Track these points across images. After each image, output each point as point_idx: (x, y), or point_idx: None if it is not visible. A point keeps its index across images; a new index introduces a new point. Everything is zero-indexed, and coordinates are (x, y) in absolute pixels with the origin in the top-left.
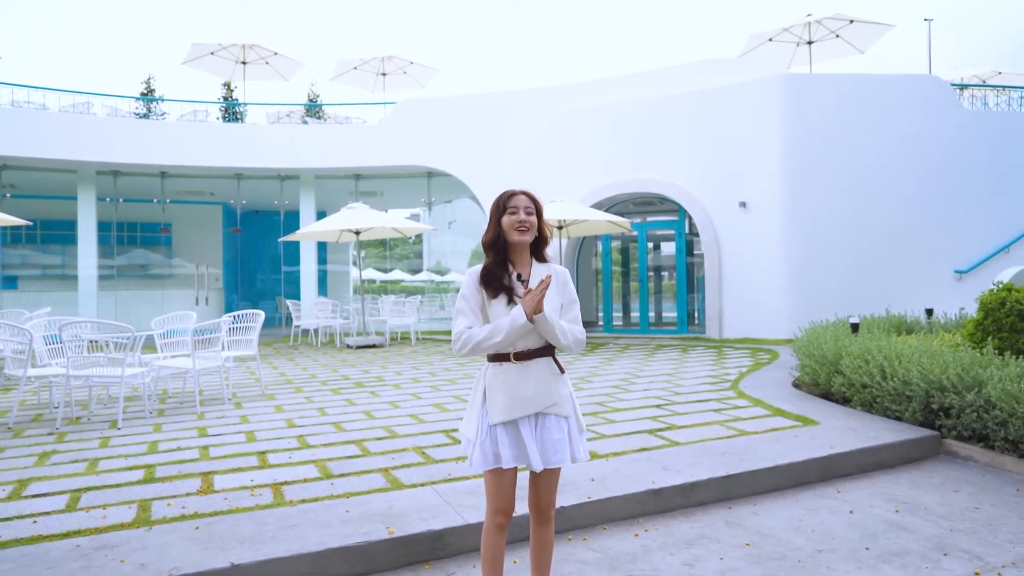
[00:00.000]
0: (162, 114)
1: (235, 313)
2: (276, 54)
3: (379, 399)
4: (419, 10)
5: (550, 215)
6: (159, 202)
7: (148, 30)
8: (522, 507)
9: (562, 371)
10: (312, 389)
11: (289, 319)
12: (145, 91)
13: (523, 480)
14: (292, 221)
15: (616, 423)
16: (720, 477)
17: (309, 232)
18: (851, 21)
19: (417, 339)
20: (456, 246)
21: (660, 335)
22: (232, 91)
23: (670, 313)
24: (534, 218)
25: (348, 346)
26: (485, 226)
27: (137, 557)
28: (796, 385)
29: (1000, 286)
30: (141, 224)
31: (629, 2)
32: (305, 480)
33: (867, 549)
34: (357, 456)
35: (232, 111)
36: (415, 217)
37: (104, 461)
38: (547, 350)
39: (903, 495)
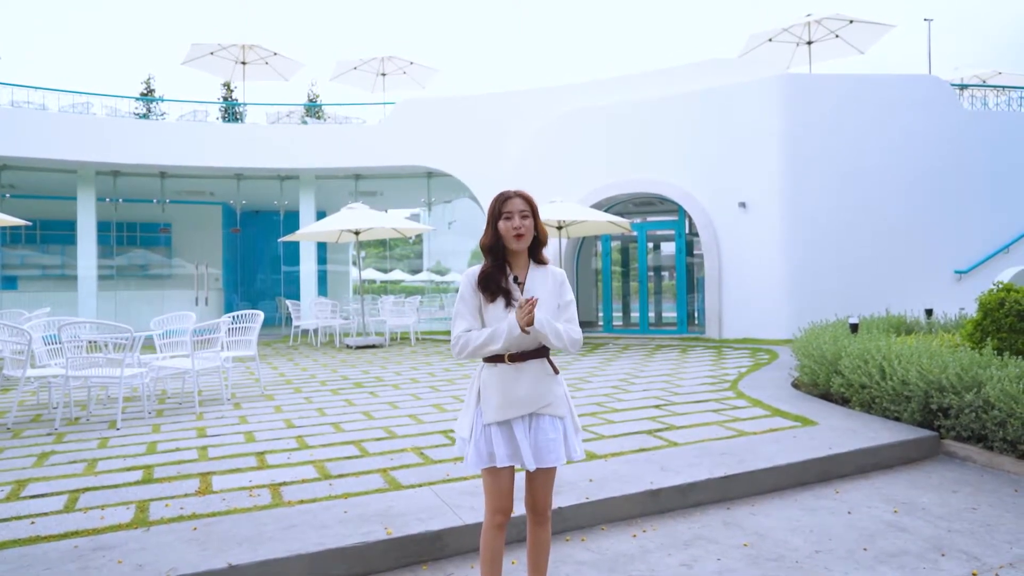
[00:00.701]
0: (162, 114)
1: (234, 313)
2: (276, 54)
3: (378, 399)
4: (419, 10)
5: (550, 215)
6: (159, 202)
7: (148, 30)
8: (520, 507)
9: (556, 372)
10: (311, 389)
11: (289, 319)
12: (145, 91)
13: (520, 480)
14: (292, 221)
15: (615, 423)
16: (719, 478)
17: (309, 232)
18: (851, 21)
19: (417, 339)
20: (456, 246)
21: (660, 335)
22: (232, 91)
23: (670, 313)
24: (530, 221)
25: (348, 346)
26: (485, 226)
27: (135, 558)
28: (795, 385)
29: (999, 286)
30: (141, 224)
31: (629, 2)
32: (304, 481)
33: (865, 550)
34: (356, 457)
35: (232, 111)
36: (415, 217)
37: (103, 462)
38: (541, 351)
39: (901, 495)
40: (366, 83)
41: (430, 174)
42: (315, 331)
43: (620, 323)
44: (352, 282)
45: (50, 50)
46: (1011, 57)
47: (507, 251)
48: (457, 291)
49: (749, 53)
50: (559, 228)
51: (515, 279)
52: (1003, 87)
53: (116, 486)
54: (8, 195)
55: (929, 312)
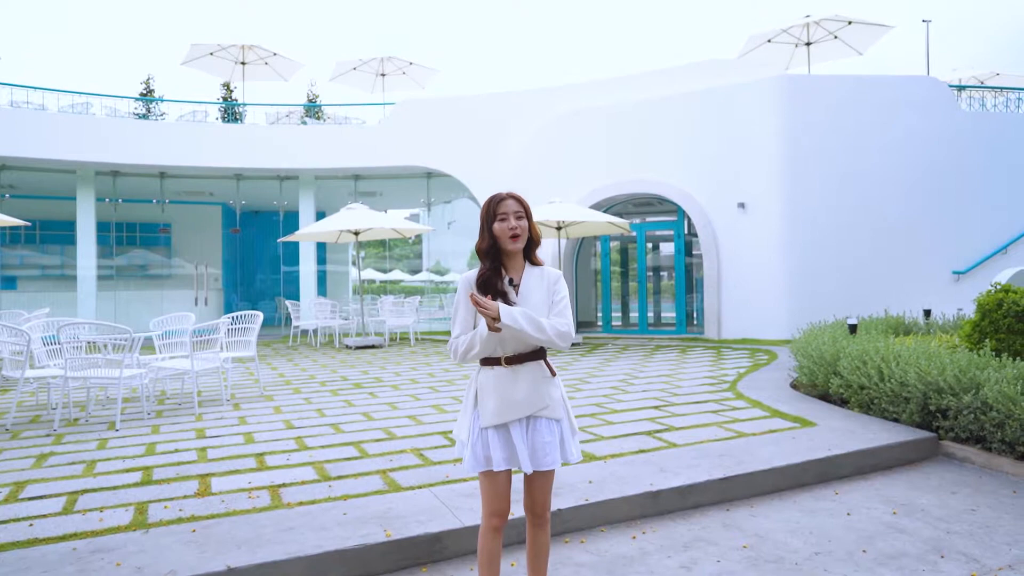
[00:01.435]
0: (161, 114)
1: (234, 314)
2: (275, 55)
3: (377, 400)
4: (419, 10)
5: (549, 216)
6: (158, 202)
7: (147, 30)
8: (519, 509)
9: (553, 374)
10: (311, 390)
11: (288, 319)
12: (144, 91)
13: (519, 483)
14: (291, 221)
15: (614, 424)
16: (718, 479)
17: (308, 233)
18: (849, 22)
19: (416, 340)
20: (455, 247)
21: (659, 336)
22: (231, 91)
23: (669, 314)
24: (524, 222)
25: (347, 347)
26: (479, 230)
27: (134, 560)
28: (794, 386)
29: (997, 287)
30: (140, 224)
31: (628, 3)
32: (303, 482)
33: (864, 552)
34: (355, 458)
35: (231, 112)
36: (414, 217)
37: (102, 463)
38: (538, 353)
39: (900, 497)
40: (366, 83)
41: (429, 174)
42: (314, 331)
43: (619, 323)
44: (351, 282)
45: (50, 50)
46: (1009, 57)
47: (503, 253)
48: (456, 291)
49: (748, 54)
50: (558, 228)
51: (510, 281)
52: (1001, 88)
53: (115, 488)
54: (7, 195)
55: (927, 313)
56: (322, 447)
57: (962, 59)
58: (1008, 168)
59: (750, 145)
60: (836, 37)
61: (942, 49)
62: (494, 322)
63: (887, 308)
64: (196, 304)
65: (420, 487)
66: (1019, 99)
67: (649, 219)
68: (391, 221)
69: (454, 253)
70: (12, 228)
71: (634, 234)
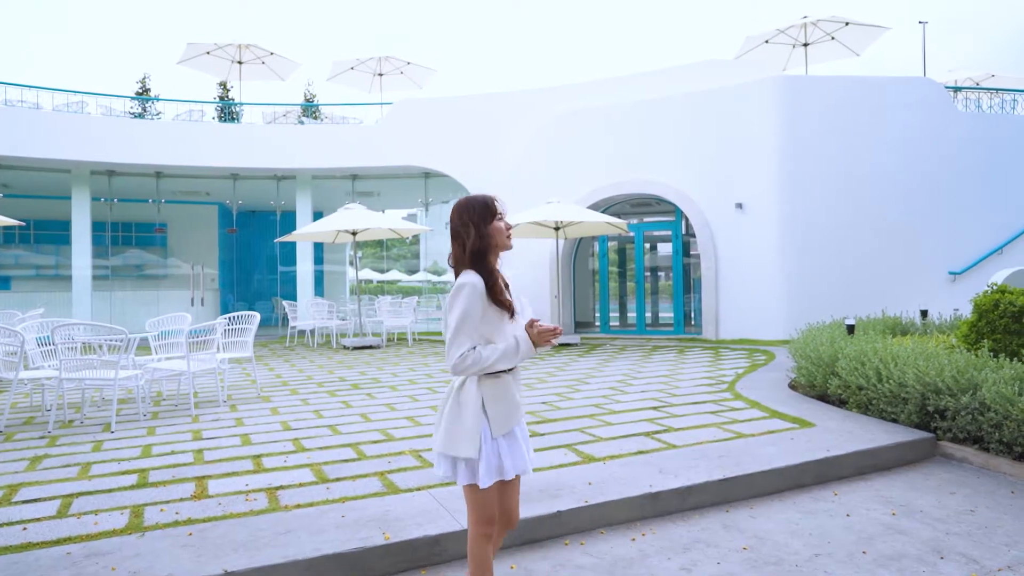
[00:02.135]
0: (157, 114)
1: (230, 315)
2: (272, 54)
3: (375, 401)
4: (417, 10)
5: (547, 216)
6: (154, 202)
7: (143, 29)
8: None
9: None
10: (308, 391)
11: (285, 320)
12: (140, 91)
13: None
14: (288, 221)
15: (613, 425)
16: (717, 480)
17: (306, 233)
18: (846, 23)
19: (414, 340)
20: None
21: (657, 336)
22: (228, 91)
23: (667, 314)
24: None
25: (344, 347)
26: (470, 231)
27: (129, 565)
28: (792, 386)
29: (994, 287)
30: (136, 224)
31: (627, 3)
32: (300, 484)
33: (864, 553)
34: (353, 460)
35: (228, 111)
36: (412, 218)
37: (96, 465)
38: None
39: (899, 498)
40: (363, 83)
41: (427, 174)
42: (311, 332)
43: (617, 324)
44: (349, 282)
45: (44, 49)
46: (1006, 58)
47: (495, 257)
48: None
49: (746, 55)
50: (556, 229)
51: (505, 286)
52: (997, 89)
53: (110, 490)
54: (2, 195)
55: (924, 313)
56: (320, 448)
57: (959, 60)
58: (1004, 169)
59: (748, 146)
60: (833, 38)
61: (939, 50)
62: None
63: (884, 308)
64: (192, 304)
65: (418, 489)
66: (1015, 100)
67: (647, 219)
68: (388, 221)
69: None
70: (7, 228)
71: (632, 234)
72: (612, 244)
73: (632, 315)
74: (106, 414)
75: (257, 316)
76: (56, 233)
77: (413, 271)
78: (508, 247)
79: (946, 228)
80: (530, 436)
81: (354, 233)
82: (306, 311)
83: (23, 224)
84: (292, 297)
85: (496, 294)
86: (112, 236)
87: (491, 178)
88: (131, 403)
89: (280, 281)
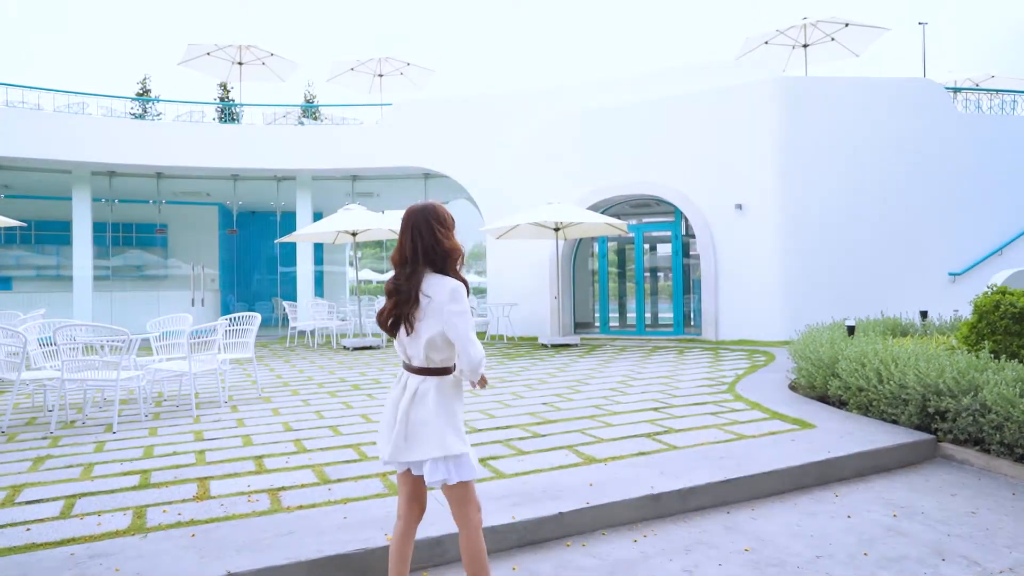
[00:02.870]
0: (158, 115)
1: (231, 316)
2: (272, 55)
3: (375, 402)
4: (416, 11)
5: (547, 217)
6: (155, 203)
7: (144, 30)
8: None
9: None
10: (308, 392)
11: (286, 320)
12: (141, 91)
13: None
14: (289, 222)
15: (614, 426)
16: (718, 482)
17: (306, 234)
18: (846, 24)
19: None
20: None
21: (656, 337)
22: (228, 92)
23: (666, 315)
24: None
25: (344, 348)
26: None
27: (133, 566)
28: (792, 388)
29: (994, 289)
30: (137, 225)
31: (626, 4)
32: (302, 485)
33: (865, 555)
34: (354, 461)
35: (228, 112)
36: None
37: (99, 466)
38: None
39: (900, 499)
40: (363, 84)
41: (427, 175)
42: (312, 332)
43: (616, 324)
44: (349, 283)
45: (45, 50)
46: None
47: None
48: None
49: (746, 55)
50: (556, 229)
51: None
52: (996, 91)
53: (113, 491)
54: (3, 195)
55: (924, 314)
56: (321, 449)
57: (959, 61)
58: (1004, 170)
59: (747, 146)
60: (833, 39)
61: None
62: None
63: (883, 309)
64: (193, 305)
65: None
66: (1015, 101)
67: (647, 220)
68: (388, 222)
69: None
70: (7, 228)
71: (632, 235)
72: (612, 245)
73: (632, 316)
74: (108, 415)
75: (258, 317)
76: (57, 234)
77: None
78: (461, 261)
79: (946, 229)
80: (531, 437)
81: (354, 234)
82: (306, 312)
83: (24, 225)
84: (292, 298)
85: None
86: (113, 237)
87: (490, 179)
88: (132, 404)
89: (280, 282)
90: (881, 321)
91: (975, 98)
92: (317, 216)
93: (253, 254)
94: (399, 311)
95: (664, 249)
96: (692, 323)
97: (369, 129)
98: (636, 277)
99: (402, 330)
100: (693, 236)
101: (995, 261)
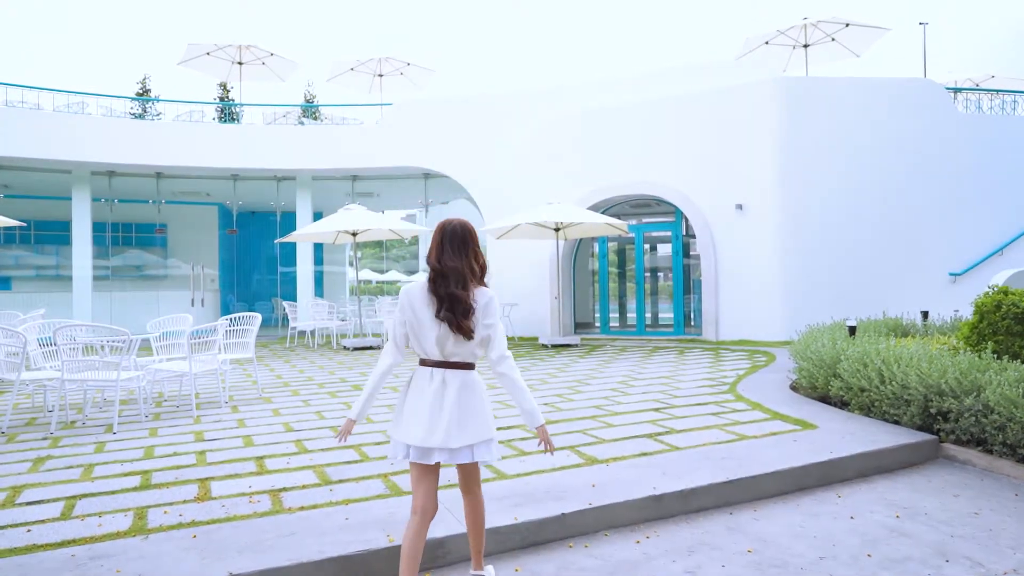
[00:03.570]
0: (158, 114)
1: (231, 316)
2: (272, 55)
3: (376, 402)
4: (416, 11)
5: (547, 217)
6: (154, 203)
7: (144, 30)
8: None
9: None
10: (309, 392)
11: (286, 320)
12: (141, 91)
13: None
14: (288, 222)
15: (615, 427)
16: (721, 482)
17: (305, 233)
18: (847, 24)
19: None
20: None
21: (657, 337)
22: (228, 92)
23: (667, 315)
24: None
25: (344, 348)
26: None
27: (133, 567)
28: (794, 388)
29: (995, 289)
30: (136, 225)
31: (627, 4)
32: (303, 486)
33: (868, 556)
34: (356, 461)
35: (228, 112)
36: (411, 218)
37: (99, 467)
38: None
39: (903, 500)
40: (363, 84)
41: (427, 175)
42: (311, 332)
43: (616, 324)
44: (349, 283)
45: (45, 50)
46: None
47: None
48: None
49: (746, 56)
50: (556, 230)
51: None
52: (997, 91)
53: (113, 492)
54: (2, 195)
55: (925, 314)
56: (322, 450)
57: (959, 61)
58: (1004, 170)
59: (748, 147)
60: (833, 39)
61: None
62: None
63: (884, 310)
64: (193, 305)
65: None
66: (1015, 101)
67: (647, 220)
68: (388, 222)
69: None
70: (7, 228)
71: (632, 235)
72: (612, 245)
73: (632, 316)
74: (108, 415)
75: (258, 317)
76: (56, 234)
77: (412, 272)
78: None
79: (946, 229)
80: (533, 437)
81: (354, 234)
82: (306, 312)
83: (23, 224)
84: (292, 298)
85: None
86: (112, 237)
87: (491, 179)
88: (133, 404)
89: (280, 282)
90: (882, 321)
91: (975, 98)
92: (317, 216)
93: (253, 254)
94: (458, 321)
95: (664, 249)
96: (692, 323)
97: (369, 129)
98: (636, 277)
99: (445, 331)
100: (693, 236)
101: (996, 261)
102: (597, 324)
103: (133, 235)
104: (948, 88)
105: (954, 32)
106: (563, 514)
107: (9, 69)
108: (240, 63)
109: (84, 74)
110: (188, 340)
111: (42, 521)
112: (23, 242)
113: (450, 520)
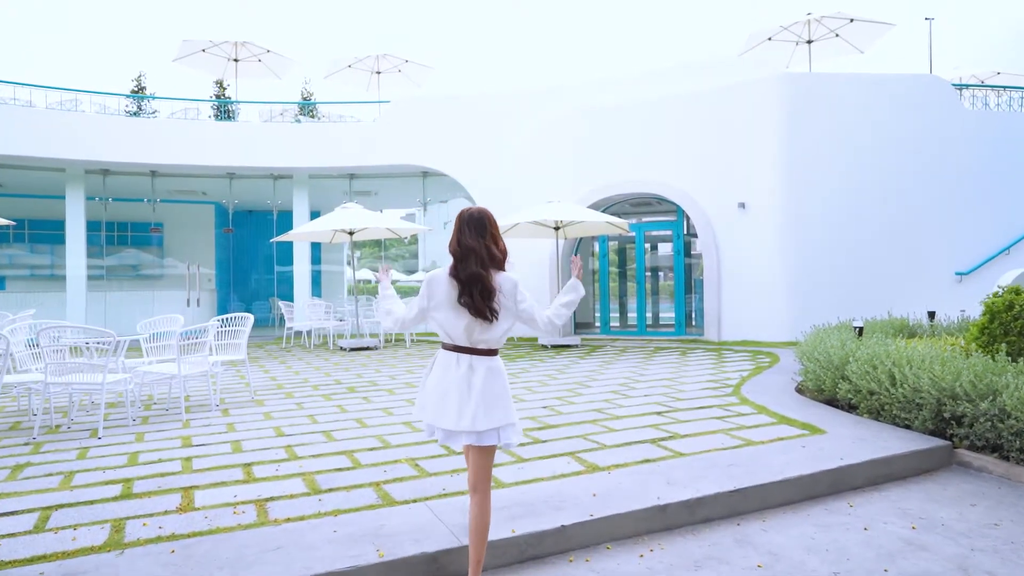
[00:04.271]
0: (153, 112)
1: (223, 316)
2: (269, 51)
3: (371, 405)
4: (415, 7)
5: (547, 215)
6: (149, 201)
7: (140, 28)
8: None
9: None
10: (303, 395)
11: (283, 320)
12: (136, 89)
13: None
14: (285, 221)
15: (616, 432)
16: (728, 492)
17: (302, 232)
18: (851, 20)
19: (412, 341)
20: None
21: (658, 337)
22: (224, 89)
23: (667, 315)
24: None
25: (341, 348)
26: (497, 233)
27: None
28: (799, 390)
29: (1005, 289)
30: (132, 224)
31: (627, 2)
32: (291, 496)
33: (885, 571)
34: (347, 468)
35: (224, 109)
36: (410, 217)
37: (80, 475)
38: None
39: (918, 510)
40: (361, 81)
41: (425, 174)
42: (308, 333)
43: (617, 324)
44: (347, 282)
45: (39, 48)
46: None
47: None
48: None
49: (748, 52)
50: (556, 228)
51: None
52: (1004, 87)
53: (91, 502)
54: None
55: (931, 315)
56: (313, 456)
57: (965, 57)
58: (1011, 168)
59: (751, 144)
60: (837, 35)
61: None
62: None
63: (890, 310)
64: (188, 305)
65: (415, 501)
66: (1022, 98)
67: (648, 219)
68: (386, 221)
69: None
70: (0, 227)
71: (633, 234)
72: (612, 244)
73: (632, 316)
74: (94, 419)
75: (251, 318)
76: (51, 233)
77: (412, 271)
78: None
79: (952, 228)
80: (532, 443)
81: (351, 233)
82: (302, 312)
83: (13, 224)
84: (289, 298)
85: None
86: (107, 236)
87: (490, 177)
88: (121, 407)
89: (277, 281)
90: (888, 321)
91: (982, 95)
92: (314, 215)
93: (250, 253)
94: (478, 304)
95: (665, 248)
96: (693, 323)
97: (367, 127)
98: (637, 276)
99: (470, 319)
100: (695, 235)
101: (1002, 260)
102: (597, 324)
103: (129, 234)
104: (955, 85)
105: (956, 30)
106: (563, 526)
107: (3, 67)
108: (236, 60)
109: (79, 72)
110: (177, 341)
111: (14, 535)
112: (17, 241)
113: (441, 533)
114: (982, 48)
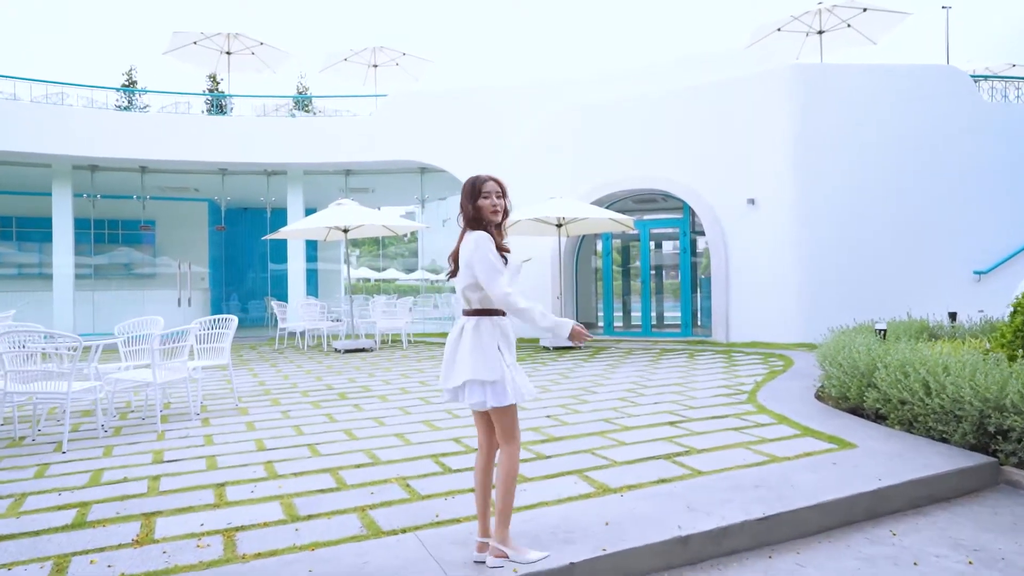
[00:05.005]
0: (144, 107)
1: (205, 318)
2: (262, 44)
3: (362, 414)
4: (413, 2)
5: (549, 212)
6: (139, 198)
7: (130, 20)
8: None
9: None
10: (290, 402)
11: (277, 320)
12: (126, 83)
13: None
14: (280, 218)
15: (627, 445)
16: (756, 519)
17: (294, 230)
18: (864, 9)
19: (409, 342)
20: (451, 245)
21: (663, 338)
22: (217, 84)
23: (673, 314)
24: (503, 201)
25: (335, 350)
26: (463, 201)
27: None
28: (819, 397)
29: None
30: (123, 222)
31: None
32: (265, 524)
33: None
34: (331, 489)
35: (217, 104)
36: (409, 215)
37: (32, 497)
38: None
39: (970, 539)
40: (357, 75)
41: (423, 170)
42: (302, 334)
43: (621, 325)
44: (344, 281)
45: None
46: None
47: (484, 225)
48: (453, 291)
49: (757, 43)
50: (559, 226)
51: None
52: (1023, 78)
53: (37, 533)
54: None
55: (953, 315)
56: (294, 475)
57: (977, 50)
58: None
59: (760, 139)
60: (849, 25)
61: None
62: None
63: (905, 309)
64: (180, 305)
65: (404, 531)
66: None
67: (653, 216)
68: (382, 218)
69: (450, 251)
70: None
71: (638, 232)
72: (616, 242)
73: (637, 316)
74: (64, 428)
75: (234, 320)
76: (39, 230)
77: (411, 269)
78: (493, 221)
79: (971, 224)
80: (535, 459)
81: (346, 230)
82: (296, 311)
83: None
84: (284, 297)
85: (498, 243)
86: (96, 234)
87: (490, 174)
88: (93, 416)
89: (272, 280)
90: (907, 323)
91: (1002, 86)
92: (309, 212)
93: (244, 252)
94: (452, 261)
95: (671, 246)
96: (700, 323)
97: (363, 121)
98: (642, 275)
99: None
100: (702, 233)
101: (1023, 259)
102: (601, 324)
103: (120, 232)
104: (973, 76)
105: (971, 21)
106: (572, 564)
107: None
108: (228, 53)
109: (66, 65)
110: (154, 345)
111: None
112: (4, 239)
113: (435, 572)
114: (995, 40)
